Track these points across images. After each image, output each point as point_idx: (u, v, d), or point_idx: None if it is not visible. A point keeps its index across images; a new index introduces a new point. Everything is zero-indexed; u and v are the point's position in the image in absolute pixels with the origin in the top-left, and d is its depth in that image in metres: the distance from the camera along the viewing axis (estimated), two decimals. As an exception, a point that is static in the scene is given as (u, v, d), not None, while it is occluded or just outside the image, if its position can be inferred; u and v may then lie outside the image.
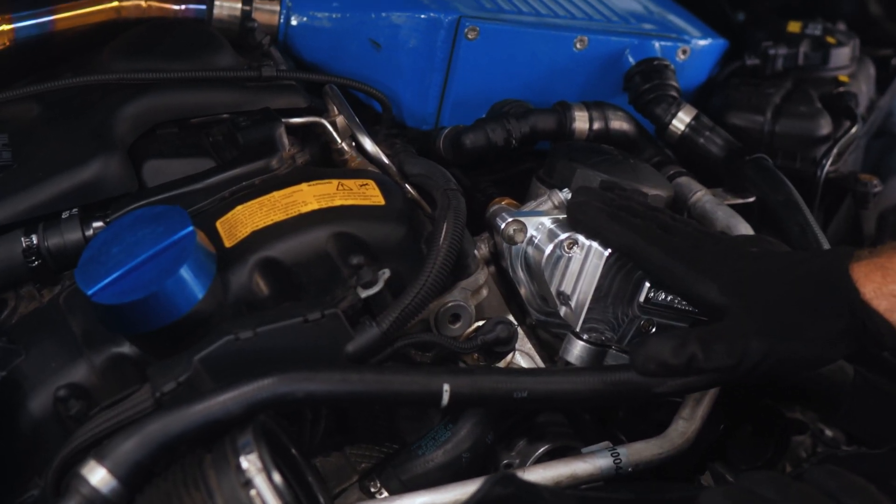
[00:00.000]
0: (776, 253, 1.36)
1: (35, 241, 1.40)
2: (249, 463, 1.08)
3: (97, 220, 1.42)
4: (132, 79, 1.58)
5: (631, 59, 1.83)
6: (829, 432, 1.79)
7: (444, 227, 1.35)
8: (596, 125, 1.70)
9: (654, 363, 1.21)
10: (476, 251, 1.46)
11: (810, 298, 1.23)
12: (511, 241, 1.44)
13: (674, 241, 1.32)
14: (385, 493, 1.38)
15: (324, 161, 1.64)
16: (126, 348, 1.33)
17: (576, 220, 1.39)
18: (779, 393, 1.65)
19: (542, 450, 1.45)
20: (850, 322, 1.21)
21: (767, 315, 1.23)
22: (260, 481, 1.07)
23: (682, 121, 1.73)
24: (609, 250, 1.37)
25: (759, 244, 1.38)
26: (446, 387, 1.24)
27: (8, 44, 1.68)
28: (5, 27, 1.67)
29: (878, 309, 1.19)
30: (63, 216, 1.42)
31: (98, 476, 1.10)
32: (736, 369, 1.21)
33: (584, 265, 1.38)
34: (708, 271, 1.27)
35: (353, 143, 1.60)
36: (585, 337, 1.40)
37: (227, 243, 1.37)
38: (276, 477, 1.08)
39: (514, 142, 1.67)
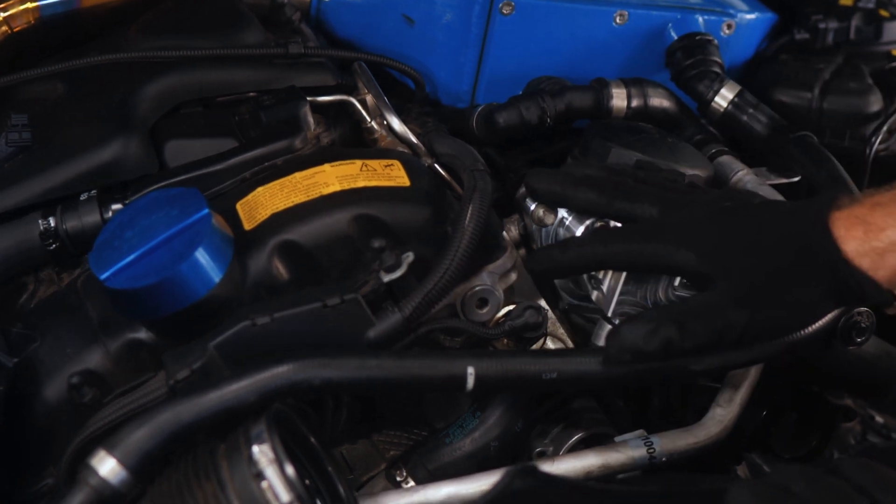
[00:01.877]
0: (752, 208, 1.31)
1: (53, 224, 1.38)
2: (261, 453, 1.06)
3: (116, 202, 1.40)
4: (155, 57, 1.55)
5: (673, 34, 1.77)
6: (879, 418, 1.75)
7: (469, 208, 1.32)
8: (634, 102, 1.65)
9: (629, 352, 1.17)
10: (505, 233, 1.43)
11: (791, 262, 1.20)
12: (541, 223, 1.41)
13: (636, 225, 1.29)
14: (411, 482, 1.36)
15: (355, 140, 1.62)
16: (142, 334, 1.31)
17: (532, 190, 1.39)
18: (825, 380, 1.61)
19: (576, 437, 1.42)
20: (833, 283, 1.19)
21: (747, 283, 1.19)
22: (271, 473, 1.05)
23: (724, 97, 1.68)
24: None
25: (732, 198, 1.33)
26: (471, 370, 1.21)
27: (32, 21, 1.65)
28: (30, 4, 1.64)
29: (861, 267, 1.16)
30: (81, 198, 1.41)
31: (108, 467, 1.08)
32: (717, 344, 1.18)
33: (616, 248, 1.35)
34: (682, 239, 1.23)
35: (384, 122, 1.57)
36: (617, 322, 1.36)
37: (247, 226, 1.34)
38: (289, 469, 1.05)
39: (548, 120, 1.62)
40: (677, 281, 1.35)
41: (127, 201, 1.40)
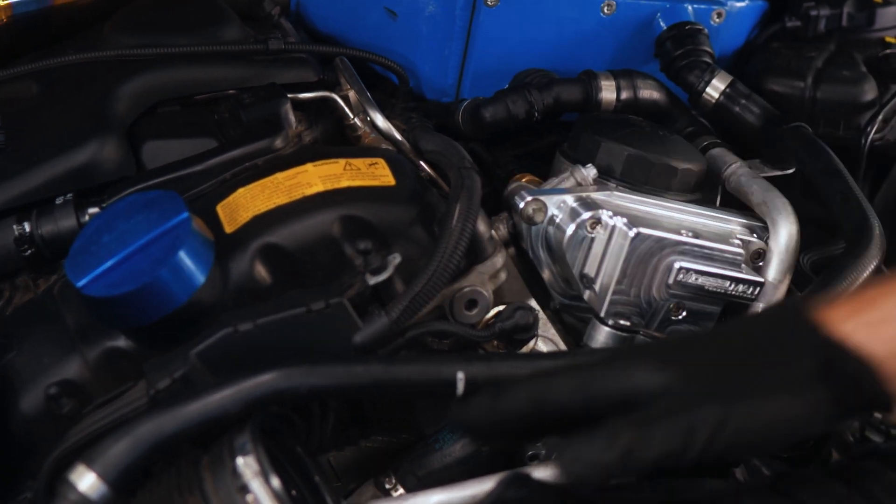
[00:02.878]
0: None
1: (28, 229, 1.36)
2: (246, 465, 1.03)
3: (93, 205, 1.37)
4: (131, 55, 1.53)
5: (662, 24, 1.75)
6: (877, 414, 1.73)
7: (457, 208, 1.29)
8: (624, 95, 1.62)
9: (582, 465, 0.97)
10: (494, 232, 1.40)
11: (763, 343, 0.99)
12: (530, 221, 1.37)
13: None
14: (401, 490, 1.34)
15: (338, 137, 1.59)
16: (121, 342, 1.28)
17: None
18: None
19: (569, 439, 1.40)
20: (817, 363, 0.94)
21: (714, 375, 0.98)
22: (257, 486, 1.02)
23: (716, 88, 1.65)
24: (635, 230, 1.30)
25: None
26: (461, 375, 1.17)
27: (5, 20, 1.63)
28: (2, 2, 1.61)
29: (851, 341, 0.94)
30: (57, 202, 1.38)
31: (87, 482, 1.05)
32: (688, 450, 0.94)
33: (608, 246, 1.32)
34: (638, 353, 1.05)
35: (367, 119, 1.54)
36: (611, 322, 1.33)
37: (228, 229, 1.31)
38: (275, 481, 1.02)
39: (536, 114, 1.59)
40: (671, 278, 1.32)
41: (104, 205, 1.37)
